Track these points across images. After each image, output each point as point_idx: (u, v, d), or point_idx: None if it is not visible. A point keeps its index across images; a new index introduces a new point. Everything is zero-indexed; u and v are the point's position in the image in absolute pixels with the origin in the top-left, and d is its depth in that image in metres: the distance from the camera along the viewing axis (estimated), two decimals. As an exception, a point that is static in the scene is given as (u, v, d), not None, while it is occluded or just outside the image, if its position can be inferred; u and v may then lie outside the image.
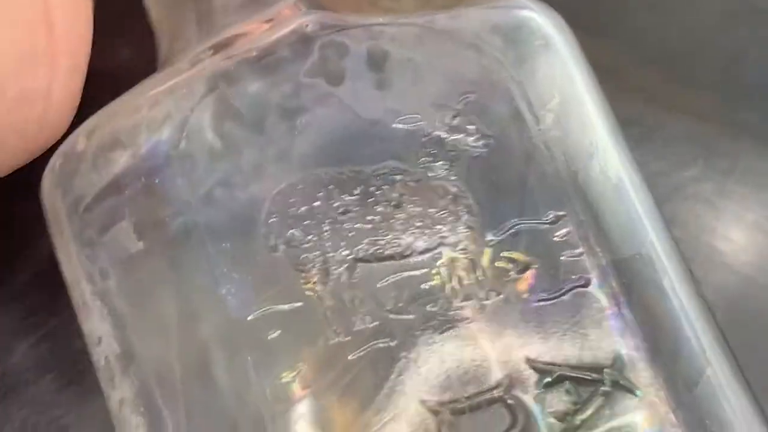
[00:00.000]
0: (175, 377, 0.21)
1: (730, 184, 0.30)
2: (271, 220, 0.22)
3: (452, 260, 0.22)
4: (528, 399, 0.21)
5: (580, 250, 0.22)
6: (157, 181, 0.22)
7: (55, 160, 0.23)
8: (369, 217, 0.22)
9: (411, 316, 0.21)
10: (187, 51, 0.24)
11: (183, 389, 0.21)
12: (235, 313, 0.21)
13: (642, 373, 0.21)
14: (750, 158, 0.30)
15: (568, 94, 0.23)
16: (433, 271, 0.22)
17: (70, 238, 0.22)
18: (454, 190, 0.22)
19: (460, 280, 0.22)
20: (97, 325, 0.22)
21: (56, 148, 0.23)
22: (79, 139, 0.23)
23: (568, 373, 0.21)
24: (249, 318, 0.21)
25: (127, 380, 0.22)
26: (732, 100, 0.31)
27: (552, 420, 0.21)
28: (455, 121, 0.22)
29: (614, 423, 0.21)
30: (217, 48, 0.23)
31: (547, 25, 0.23)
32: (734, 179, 0.30)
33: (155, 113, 0.22)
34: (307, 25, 0.23)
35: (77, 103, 0.25)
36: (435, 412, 0.21)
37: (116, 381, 0.22)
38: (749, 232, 0.29)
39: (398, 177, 0.22)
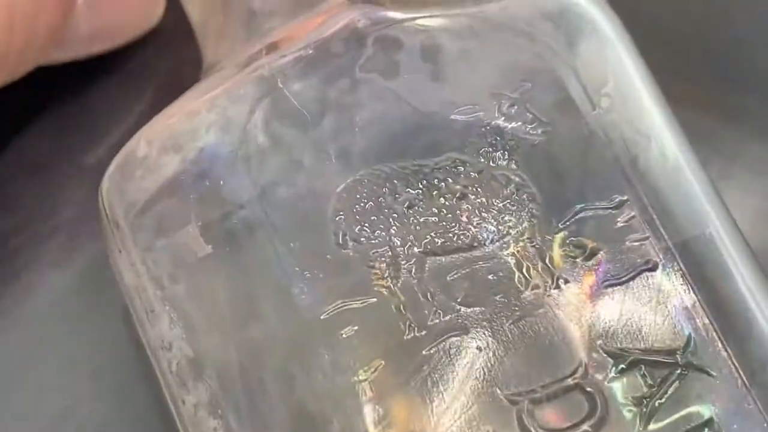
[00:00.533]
0: (250, 378, 0.21)
1: (732, 171, 0.30)
2: (338, 217, 0.22)
3: (519, 250, 0.22)
4: (603, 385, 0.21)
5: (645, 233, 0.22)
6: (221, 183, 0.22)
7: (114, 166, 0.23)
8: (434, 210, 0.22)
9: (482, 308, 0.21)
10: (235, 52, 0.24)
11: (258, 390, 0.21)
12: (308, 312, 0.21)
13: (714, 354, 0.21)
14: (752, 145, 0.30)
15: (620, 77, 0.23)
16: (501, 261, 0.22)
17: (132, 245, 0.22)
18: (516, 179, 0.22)
19: (528, 269, 0.22)
20: (166, 331, 0.22)
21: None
22: (140, 144, 0.22)
23: (641, 357, 0.21)
24: (322, 317, 0.21)
25: (201, 384, 0.21)
26: (733, 87, 0.31)
27: (630, 405, 0.21)
28: (512, 110, 0.22)
29: (691, 405, 0.21)
30: (270, 48, 0.23)
31: (592, 8, 0.23)
32: (737, 166, 0.30)
33: (214, 116, 0.22)
34: (359, 21, 0.23)
35: None
36: (513, 402, 0.21)
37: (189, 386, 0.22)
38: (752, 218, 0.29)
39: (460, 168, 0.22)
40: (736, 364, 0.21)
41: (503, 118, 0.22)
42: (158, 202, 0.22)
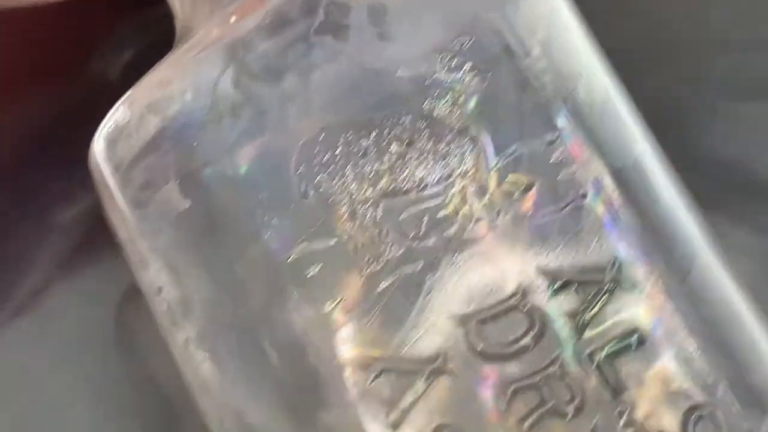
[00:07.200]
0: (234, 315, 0.24)
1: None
2: (300, 170, 0.24)
3: (463, 188, 0.25)
4: (541, 303, 0.24)
5: (575, 166, 0.25)
6: (195, 143, 0.25)
7: (101, 130, 0.25)
8: (385, 157, 0.25)
9: (432, 242, 0.24)
10: (203, 24, 0.26)
11: (241, 325, 0.24)
12: (277, 255, 0.24)
13: (639, 271, 0.24)
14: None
15: (553, 26, 0.26)
16: (447, 200, 0.25)
17: (121, 202, 0.25)
18: (458, 124, 0.25)
19: (471, 205, 0.25)
20: (155, 277, 0.25)
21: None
22: (121, 108, 0.25)
23: (574, 277, 0.24)
24: (290, 259, 0.24)
25: (188, 322, 0.24)
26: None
27: (564, 319, 0.24)
28: (453, 62, 0.25)
29: (619, 317, 0.24)
30: (234, 17, 0.26)
31: None
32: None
33: (185, 85, 0.25)
34: None
35: None
36: (462, 323, 0.24)
37: (179, 324, 0.25)
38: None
39: (407, 119, 0.25)
40: (659, 279, 0.24)
41: (445, 70, 0.25)
42: (141, 163, 0.25)
